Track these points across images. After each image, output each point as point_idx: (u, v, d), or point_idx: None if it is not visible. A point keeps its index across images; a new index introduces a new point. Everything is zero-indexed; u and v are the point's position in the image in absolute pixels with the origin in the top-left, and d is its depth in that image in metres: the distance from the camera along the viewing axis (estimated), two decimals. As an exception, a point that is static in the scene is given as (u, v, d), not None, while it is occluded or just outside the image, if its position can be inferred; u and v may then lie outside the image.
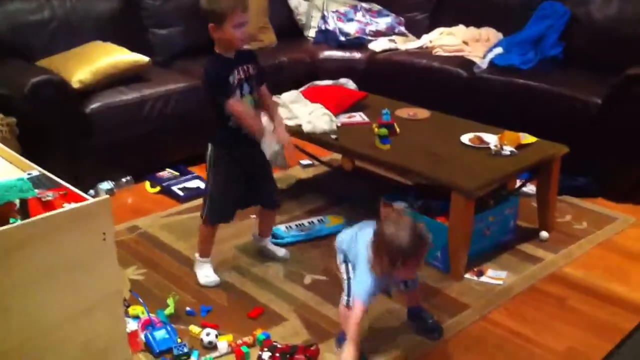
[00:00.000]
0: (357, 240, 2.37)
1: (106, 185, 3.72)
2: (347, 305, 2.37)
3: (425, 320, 2.58)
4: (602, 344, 2.46)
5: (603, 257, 3.09)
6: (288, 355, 2.36)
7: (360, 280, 2.30)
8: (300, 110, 3.42)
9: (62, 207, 1.85)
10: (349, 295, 2.36)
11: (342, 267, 2.44)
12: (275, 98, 3.53)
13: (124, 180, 3.84)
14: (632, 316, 2.61)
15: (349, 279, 2.40)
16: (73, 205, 1.84)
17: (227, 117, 2.67)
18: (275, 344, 2.43)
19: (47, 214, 1.79)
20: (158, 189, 3.82)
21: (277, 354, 2.36)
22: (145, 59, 3.91)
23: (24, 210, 1.85)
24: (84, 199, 1.89)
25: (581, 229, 3.32)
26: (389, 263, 2.19)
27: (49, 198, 1.92)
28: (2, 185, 1.84)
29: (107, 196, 1.90)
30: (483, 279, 2.91)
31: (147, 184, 3.87)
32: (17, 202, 1.85)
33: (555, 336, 2.55)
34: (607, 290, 2.83)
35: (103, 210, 1.86)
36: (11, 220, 1.78)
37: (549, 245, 3.17)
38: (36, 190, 1.89)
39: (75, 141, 3.59)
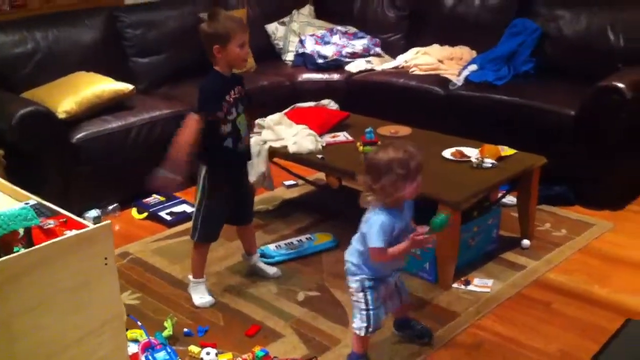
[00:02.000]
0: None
1: (93, 212, 3.75)
2: (359, 333, 2.43)
3: (414, 327, 2.66)
4: (589, 344, 2.55)
5: (583, 261, 3.20)
6: (288, 370, 2.42)
7: (370, 226, 2.31)
8: (285, 131, 3.50)
9: (64, 234, 1.90)
10: (368, 326, 2.41)
11: (359, 295, 2.41)
12: (259, 120, 3.63)
13: (110, 207, 3.87)
14: (615, 316, 2.71)
15: (367, 309, 2.40)
16: (75, 231, 1.88)
17: (223, 138, 2.75)
18: (275, 358, 2.48)
19: (51, 240, 1.82)
20: (145, 214, 3.86)
21: (278, 369, 2.43)
22: (129, 87, 3.97)
23: (29, 239, 1.90)
24: (84, 226, 1.94)
25: (561, 235, 3.43)
26: (403, 172, 2.23)
27: (51, 226, 1.97)
28: (7, 215, 1.87)
29: (109, 222, 1.94)
30: (470, 287, 3.00)
31: (134, 210, 3.91)
32: (21, 230, 1.89)
33: (545, 339, 2.65)
34: (590, 293, 2.94)
35: (104, 235, 1.90)
36: (15, 249, 1.82)
37: (531, 253, 3.27)
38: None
39: (63, 170, 3.63)
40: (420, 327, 2.66)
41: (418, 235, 2.31)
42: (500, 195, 3.41)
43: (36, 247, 1.80)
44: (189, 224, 3.33)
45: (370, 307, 2.40)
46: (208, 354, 2.54)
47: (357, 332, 2.44)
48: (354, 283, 2.42)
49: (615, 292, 2.94)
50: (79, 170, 3.70)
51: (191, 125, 2.71)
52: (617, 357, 2.03)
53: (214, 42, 2.69)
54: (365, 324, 2.41)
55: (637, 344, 2.06)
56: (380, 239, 2.28)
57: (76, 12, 4.35)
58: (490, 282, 3.03)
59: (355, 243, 2.42)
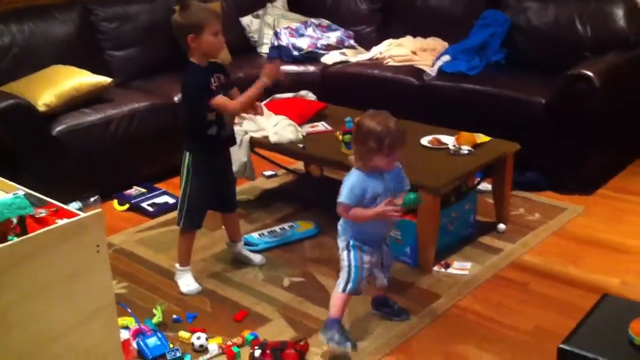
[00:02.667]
0: None
1: (74, 205, 3.75)
2: (343, 292, 2.53)
3: (392, 306, 2.78)
4: (565, 321, 2.63)
5: (557, 244, 3.33)
6: (279, 351, 2.47)
7: (344, 183, 2.46)
8: (266, 122, 3.56)
9: (56, 222, 1.92)
10: (347, 282, 2.52)
11: (344, 254, 2.54)
12: (240, 112, 3.68)
13: (91, 199, 3.88)
14: (590, 295, 2.81)
15: (348, 266, 2.52)
16: (67, 220, 1.91)
17: (207, 125, 2.80)
18: (265, 341, 2.55)
19: (45, 228, 1.84)
20: (126, 206, 3.89)
21: (268, 351, 2.48)
22: (107, 80, 3.99)
23: (23, 227, 1.92)
24: (75, 214, 1.97)
25: (534, 219, 3.55)
26: (375, 146, 2.34)
27: (42, 215, 1.99)
28: (1, 203, 1.90)
29: (100, 210, 1.99)
30: (450, 270, 3.10)
31: (115, 202, 3.94)
32: (14, 219, 1.92)
33: (522, 318, 2.76)
34: (564, 274, 3.06)
35: (96, 223, 1.93)
36: (9, 238, 1.85)
37: (507, 236, 3.39)
38: (30, 208, 1.95)
39: (43, 163, 3.64)
40: (397, 307, 2.78)
41: (388, 205, 2.41)
42: (476, 181, 3.52)
43: (30, 235, 1.82)
44: (172, 215, 3.40)
45: (352, 264, 2.51)
46: (198, 338, 2.59)
47: (336, 288, 2.56)
48: (340, 243, 2.56)
49: (589, 272, 3.07)
50: (60, 163, 3.71)
51: (220, 101, 2.76)
52: (595, 330, 2.12)
53: (188, 32, 2.72)
54: (344, 281, 2.53)
55: (614, 317, 2.15)
56: (346, 196, 2.43)
57: (51, 6, 4.34)
58: (468, 264, 3.14)
59: None
